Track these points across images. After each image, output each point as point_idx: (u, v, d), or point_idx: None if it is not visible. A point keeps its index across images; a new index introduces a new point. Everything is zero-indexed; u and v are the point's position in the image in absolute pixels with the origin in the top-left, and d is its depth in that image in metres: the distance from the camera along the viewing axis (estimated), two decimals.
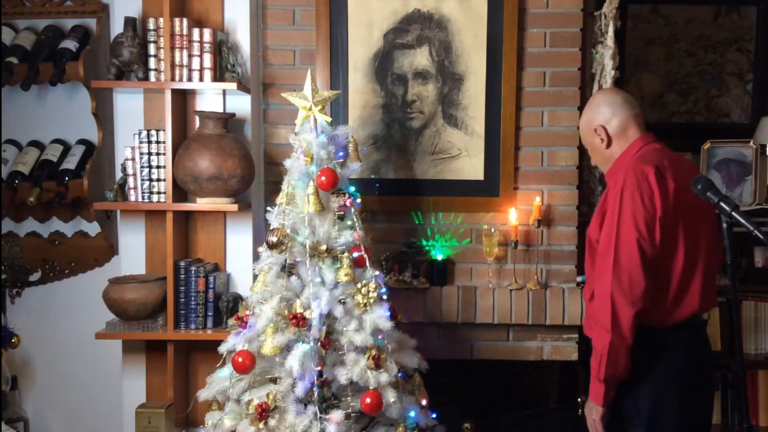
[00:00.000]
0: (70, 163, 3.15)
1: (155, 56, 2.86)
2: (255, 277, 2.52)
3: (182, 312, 2.89)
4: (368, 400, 2.33)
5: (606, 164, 2.39)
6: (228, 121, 2.93)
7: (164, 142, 2.88)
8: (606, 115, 2.35)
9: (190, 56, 2.86)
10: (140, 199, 2.91)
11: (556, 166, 3.22)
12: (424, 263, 3.18)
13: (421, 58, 3.19)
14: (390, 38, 3.19)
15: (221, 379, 2.48)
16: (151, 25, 2.85)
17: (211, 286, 2.89)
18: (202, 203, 2.89)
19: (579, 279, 3.18)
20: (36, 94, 3.26)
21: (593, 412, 2.24)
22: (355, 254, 2.49)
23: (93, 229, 3.31)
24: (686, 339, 2.26)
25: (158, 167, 2.89)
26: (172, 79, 2.85)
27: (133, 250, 3.05)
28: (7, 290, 3.31)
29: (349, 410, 2.36)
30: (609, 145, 2.35)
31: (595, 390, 2.21)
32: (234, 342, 2.45)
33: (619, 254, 2.13)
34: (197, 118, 2.97)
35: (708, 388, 2.41)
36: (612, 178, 2.29)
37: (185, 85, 2.87)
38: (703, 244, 2.25)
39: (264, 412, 2.29)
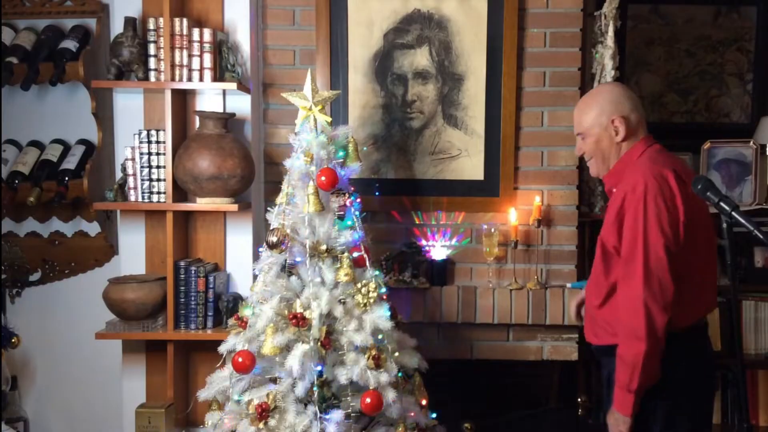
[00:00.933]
0: (70, 163, 3.15)
1: (155, 56, 2.86)
2: (255, 277, 2.52)
3: (182, 312, 2.89)
4: (368, 400, 2.33)
5: (605, 161, 2.32)
6: (228, 121, 2.93)
7: (164, 142, 2.88)
8: (627, 108, 2.28)
9: (190, 56, 2.86)
10: (140, 199, 2.91)
11: (556, 166, 3.22)
12: (424, 263, 3.18)
13: (421, 58, 3.19)
14: (390, 38, 3.19)
15: (221, 379, 2.48)
16: (151, 25, 2.85)
17: (211, 286, 2.89)
18: (202, 203, 2.89)
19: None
20: (36, 94, 3.26)
21: (620, 424, 2.16)
22: (355, 254, 2.49)
23: (93, 229, 3.31)
24: (697, 341, 2.25)
25: (158, 167, 2.89)
26: (172, 79, 2.85)
27: (133, 250, 3.05)
28: (7, 290, 3.31)
29: (349, 410, 2.36)
30: (624, 139, 2.27)
31: (624, 401, 2.14)
32: (234, 342, 2.46)
33: (648, 260, 2.09)
34: (197, 118, 2.97)
35: (712, 390, 2.41)
36: (621, 180, 2.24)
37: (185, 85, 2.87)
38: (712, 246, 2.25)
39: (264, 412, 2.29)
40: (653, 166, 2.19)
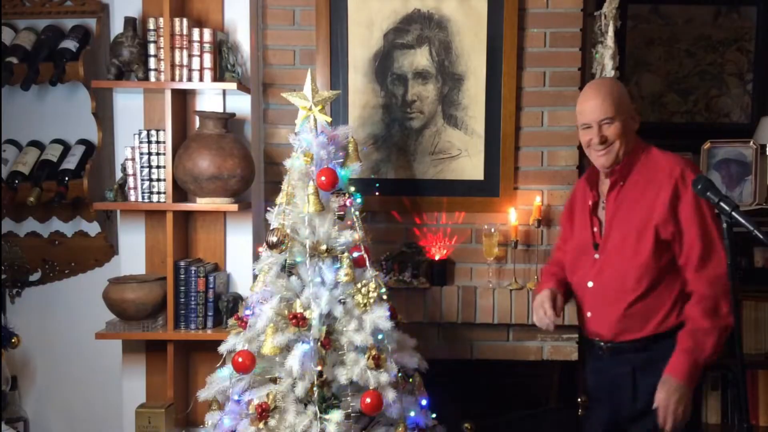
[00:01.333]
0: (70, 163, 3.15)
1: (155, 56, 2.86)
2: (255, 277, 2.51)
3: (182, 312, 2.89)
4: (368, 400, 2.33)
5: (626, 149, 2.33)
6: (228, 121, 2.93)
7: (164, 142, 2.88)
8: None
9: (190, 56, 2.86)
10: (140, 199, 2.91)
11: (556, 166, 3.22)
12: (424, 263, 3.18)
13: (421, 58, 3.19)
14: (390, 38, 3.19)
15: (221, 379, 2.48)
16: (151, 25, 2.85)
17: (211, 286, 2.89)
18: (202, 203, 2.89)
19: None
20: (36, 94, 3.26)
21: (687, 398, 2.21)
22: (355, 254, 2.49)
23: (93, 229, 3.31)
24: None
25: (158, 167, 2.89)
26: (172, 79, 2.85)
27: (133, 250, 3.05)
28: (7, 290, 3.31)
29: (349, 410, 2.36)
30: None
31: (697, 373, 2.21)
32: (234, 342, 2.45)
33: (722, 238, 2.13)
34: (197, 118, 2.97)
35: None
36: (631, 171, 2.34)
37: (185, 85, 2.87)
38: None
39: (264, 412, 2.29)
40: (679, 157, 2.34)
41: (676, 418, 2.19)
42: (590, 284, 2.40)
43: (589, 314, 2.42)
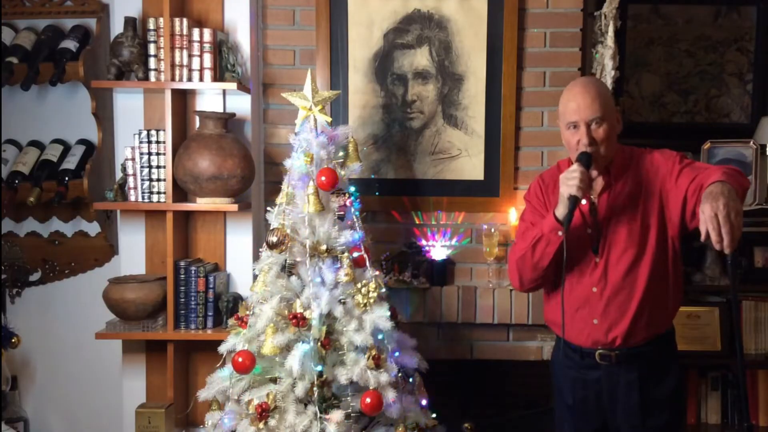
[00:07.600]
0: (70, 163, 3.15)
1: (155, 56, 2.86)
2: (255, 277, 2.52)
3: (182, 312, 2.89)
4: (368, 400, 2.33)
5: (610, 155, 2.30)
6: (228, 121, 2.93)
7: (164, 142, 2.88)
8: None
9: (190, 56, 2.87)
10: (140, 199, 2.91)
11: None
12: (424, 263, 3.18)
13: (421, 58, 3.19)
14: (390, 38, 3.19)
15: (221, 379, 2.48)
16: (151, 25, 2.85)
17: (211, 286, 2.89)
18: (202, 203, 2.89)
19: None
20: (36, 94, 3.27)
21: (738, 200, 1.96)
22: (355, 254, 2.49)
23: (93, 229, 3.31)
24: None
25: (158, 167, 2.89)
26: (172, 79, 2.85)
27: (133, 250, 3.05)
28: (7, 290, 3.32)
29: (349, 410, 2.36)
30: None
31: (737, 179, 2.05)
32: (234, 342, 2.46)
33: None
34: (197, 118, 2.97)
35: None
36: (628, 170, 2.33)
37: (185, 85, 2.87)
38: None
39: (264, 412, 2.29)
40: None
41: (732, 227, 1.84)
42: (595, 289, 2.27)
43: (595, 321, 2.27)
